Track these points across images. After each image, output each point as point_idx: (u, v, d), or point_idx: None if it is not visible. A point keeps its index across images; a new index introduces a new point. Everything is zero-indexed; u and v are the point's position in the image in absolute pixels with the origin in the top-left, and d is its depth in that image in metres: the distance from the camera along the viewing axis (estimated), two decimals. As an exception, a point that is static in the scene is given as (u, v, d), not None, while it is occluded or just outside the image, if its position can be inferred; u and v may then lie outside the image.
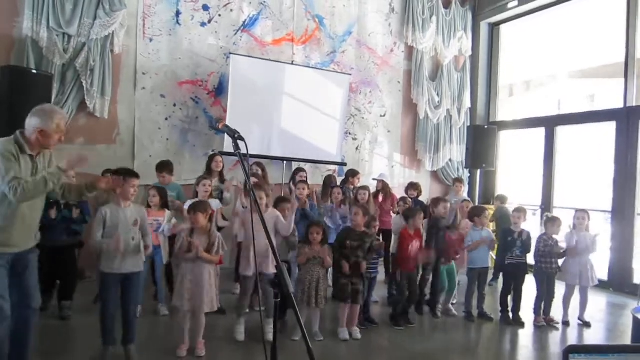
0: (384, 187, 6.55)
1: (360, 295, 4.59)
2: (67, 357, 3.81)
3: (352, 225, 4.75)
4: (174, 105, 6.95)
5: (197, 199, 4.86)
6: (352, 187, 6.54)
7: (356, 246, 4.56)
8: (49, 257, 4.52)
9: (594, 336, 5.09)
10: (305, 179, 6.04)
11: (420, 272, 5.44)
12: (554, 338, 4.97)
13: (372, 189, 6.37)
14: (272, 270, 4.07)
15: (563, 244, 5.32)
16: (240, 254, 4.50)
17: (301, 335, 3.81)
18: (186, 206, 4.85)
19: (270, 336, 4.01)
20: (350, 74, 8.10)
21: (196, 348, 3.95)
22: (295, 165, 7.26)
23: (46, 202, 4.74)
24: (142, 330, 4.41)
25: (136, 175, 3.76)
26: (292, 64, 7.67)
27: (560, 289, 5.40)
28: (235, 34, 7.36)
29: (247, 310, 4.64)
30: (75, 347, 4.02)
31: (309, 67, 7.81)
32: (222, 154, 6.28)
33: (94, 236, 3.61)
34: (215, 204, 5.07)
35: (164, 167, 5.49)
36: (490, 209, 7.38)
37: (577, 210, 5.46)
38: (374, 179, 6.92)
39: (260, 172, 6.01)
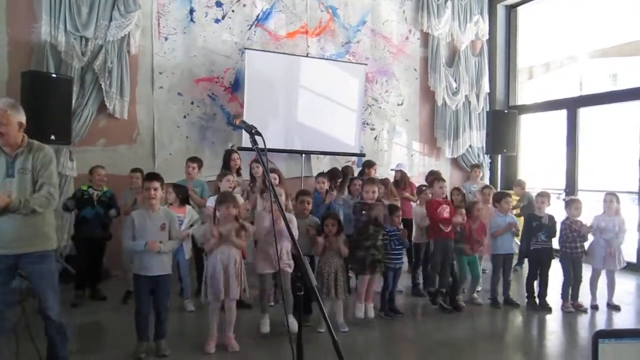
0: (402, 177, 6.50)
1: (379, 265, 4.62)
2: (103, 354, 3.90)
3: (366, 199, 4.75)
4: (192, 103, 7.00)
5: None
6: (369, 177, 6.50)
7: (369, 245, 4.57)
8: (87, 247, 5.22)
9: (624, 320, 5.00)
10: (322, 172, 6.03)
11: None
12: (583, 323, 4.90)
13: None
14: (287, 269, 4.16)
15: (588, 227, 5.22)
16: (256, 253, 4.45)
17: (327, 329, 3.86)
18: (209, 203, 4.94)
19: (294, 328, 4.05)
20: (365, 64, 8.04)
21: (227, 344, 3.98)
22: (313, 158, 7.27)
23: (81, 199, 5.06)
24: (169, 327, 4.49)
25: (150, 178, 3.82)
26: (307, 56, 7.65)
27: (587, 272, 5.31)
28: (249, 29, 7.36)
29: (272, 304, 4.68)
30: (109, 345, 4.10)
31: (324, 58, 7.78)
32: (241, 149, 6.34)
33: (125, 240, 3.80)
34: (238, 197, 5.12)
35: (196, 159, 5.72)
36: (514, 195, 7.29)
37: (606, 193, 5.35)
38: (392, 170, 6.88)
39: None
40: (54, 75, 5.70)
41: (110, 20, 6.32)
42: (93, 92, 6.30)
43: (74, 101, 5.94)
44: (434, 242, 5.12)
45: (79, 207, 5.20)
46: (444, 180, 5.58)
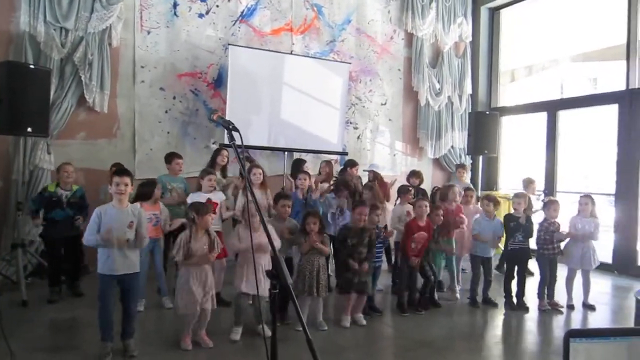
0: (374, 178, 6.50)
1: (367, 287, 4.64)
2: (74, 352, 3.81)
3: (353, 221, 4.73)
4: (174, 97, 6.93)
5: (199, 195, 4.84)
6: (351, 177, 6.49)
7: (356, 243, 4.58)
8: (58, 247, 5.08)
9: (599, 319, 5.08)
10: (306, 170, 6.00)
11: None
12: (558, 322, 4.97)
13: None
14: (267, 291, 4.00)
15: (566, 228, 5.30)
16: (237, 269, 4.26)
17: (302, 329, 3.80)
18: (190, 200, 4.87)
19: (267, 332, 4.05)
20: (349, 63, 8.04)
21: (201, 341, 3.96)
22: (296, 156, 7.25)
23: (49, 201, 4.92)
24: (147, 324, 4.47)
25: (120, 173, 3.68)
26: (291, 53, 7.62)
27: (562, 272, 5.39)
28: (234, 24, 7.30)
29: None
30: (81, 343, 4.02)
31: (308, 56, 7.76)
32: (223, 146, 6.28)
33: (87, 235, 3.57)
34: (219, 196, 5.08)
35: (179, 155, 5.59)
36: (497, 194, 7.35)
37: (581, 196, 5.44)
38: (364, 170, 6.86)
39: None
40: (32, 66, 5.56)
41: (92, 11, 6.20)
42: (72, 85, 6.18)
43: (52, 93, 5.80)
44: (401, 259, 5.08)
45: (46, 209, 5.00)
46: (426, 199, 5.55)
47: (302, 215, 4.96)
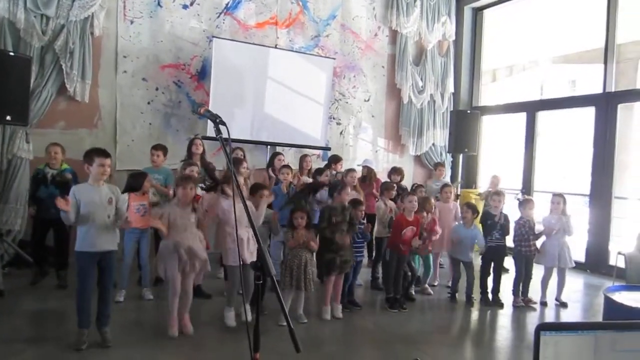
0: (369, 173, 6.59)
1: (348, 265, 4.72)
2: (52, 342, 3.79)
3: (336, 201, 4.82)
4: (156, 89, 6.88)
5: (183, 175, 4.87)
6: (335, 172, 6.56)
7: (340, 220, 4.67)
8: (39, 229, 5.10)
9: (570, 316, 5.25)
10: (287, 164, 6.04)
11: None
12: (531, 318, 5.11)
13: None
14: (253, 258, 4.13)
15: (540, 226, 5.45)
16: (220, 243, 4.40)
17: (283, 316, 3.88)
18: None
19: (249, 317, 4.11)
20: (334, 58, 8.08)
21: (183, 324, 4.02)
22: (279, 150, 7.27)
23: (34, 179, 4.89)
24: (127, 315, 4.48)
25: (105, 154, 3.70)
26: (275, 47, 7.62)
27: (538, 271, 5.53)
28: (218, 17, 7.27)
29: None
30: (60, 333, 3.98)
31: (292, 50, 7.77)
32: (205, 138, 6.27)
33: (65, 215, 3.54)
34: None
35: (160, 146, 5.57)
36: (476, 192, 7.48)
37: (553, 195, 5.59)
38: (358, 165, 6.94)
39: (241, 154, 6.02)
40: (11, 54, 5.48)
41: (74, -1, 6.13)
42: (53, 73, 6.10)
43: (32, 81, 5.72)
44: (390, 253, 5.14)
45: (34, 188, 5.04)
46: (414, 194, 5.63)
47: (286, 210, 5.05)
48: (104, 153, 3.72)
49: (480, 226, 5.61)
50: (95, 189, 3.67)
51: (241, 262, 4.11)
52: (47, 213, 4.94)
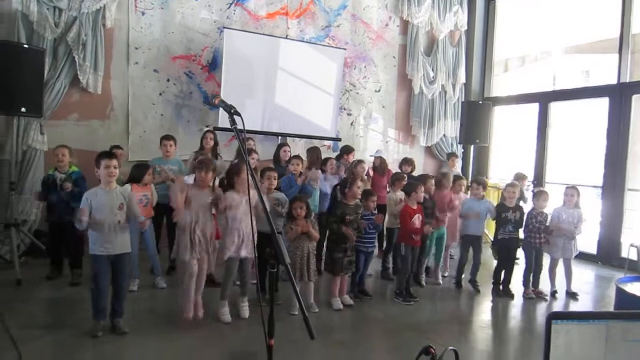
0: (381, 163, 6.60)
1: (352, 265, 4.80)
2: (68, 329, 3.88)
3: (347, 197, 4.84)
4: (168, 80, 6.92)
5: (192, 177, 4.90)
6: (347, 163, 6.58)
7: (352, 219, 4.74)
8: (53, 232, 5.13)
9: (581, 307, 5.24)
10: (297, 154, 6.06)
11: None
12: (542, 309, 5.12)
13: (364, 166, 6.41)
14: (251, 253, 4.15)
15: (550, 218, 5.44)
16: (223, 236, 4.38)
17: (298, 307, 3.94)
18: (186, 180, 4.97)
19: (244, 314, 4.25)
20: (345, 49, 8.06)
21: (195, 307, 4.11)
22: (289, 141, 7.30)
23: (45, 183, 4.94)
24: (142, 304, 4.56)
25: (110, 156, 3.76)
26: (286, 38, 7.62)
27: (545, 261, 5.54)
28: (229, 7, 7.28)
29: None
30: (75, 320, 4.07)
31: (303, 41, 7.77)
32: (217, 129, 6.32)
33: (78, 220, 3.62)
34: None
35: (170, 137, 5.61)
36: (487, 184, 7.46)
37: (567, 187, 5.56)
38: (371, 156, 6.94)
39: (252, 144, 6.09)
40: (25, 46, 5.55)
41: (86, -9, 6.17)
42: (66, 65, 6.17)
43: (45, 73, 5.80)
44: (405, 247, 5.11)
45: (46, 193, 5.04)
46: (423, 185, 5.67)
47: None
48: (108, 155, 3.79)
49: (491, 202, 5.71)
50: (107, 194, 3.73)
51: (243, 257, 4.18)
52: (58, 217, 4.96)
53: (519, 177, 6.98)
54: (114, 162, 3.73)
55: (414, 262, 5.17)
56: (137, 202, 4.63)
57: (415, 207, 5.14)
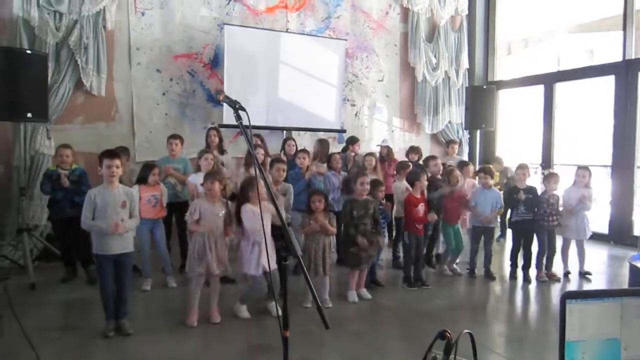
0: (388, 153, 6.59)
1: (372, 259, 4.79)
2: (82, 330, 3.92)
3: (356, 194, 4.81)
4: (171, 79, 6.94)
5: (198, 175, 4.92)
6: (353, 154, 6.58)
7: (362, 214, 4.67)
8: (59, 229, 5.15)
9: (595, 287, 5.22)
10: (304, 148, 6.06)
11: (430, 232, 5.61)
12: (556, 290, 5.12)
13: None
14: (273, 265, 3.87)
15: (561, 200, 5.41)
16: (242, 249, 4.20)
17: (312, 299, 3.98)
18: (191, 179, 5.02)
19: (274, 311, 4.15)
20: (345, 40, 8.03)
21: (210, 315, 4.08)
22: (294, 135, 7.30)
23: (49, 179, 4.97)
24: (153, 303, 4.60)
25: (112, 155, 3.73)
26: (286, 31, 7.60)
27: (557, 242, 5.52)
28: (228, 3, 7.27)
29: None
30: (89, 322, 4.11)
31: (303, 34, 7.75)
32: (222, 126, 6.33)
33: (84, 219, 3.68)
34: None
35: (177, 136, 5.63)
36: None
37: (578, 167, 5.53)
38: (378, 145, 6.92)
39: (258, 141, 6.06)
40: (28, 52, 5.57)
41: (85, -6, 6.18)
42: (69, 69, 6.20)
43: (49, 78, 5.83)
44: (408, 235, 5.13)
45: (48, 188, 5.06)
46: (437, 158, 5.69)
47: (304, 195, 5.08)
48: (110, 154, 3.75)
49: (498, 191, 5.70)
50: (110, 192, 3.72)
51: (263, 270, 4.03)
52: (63, 213, 4.98)
53: (497, 161, 7.18)
54: (116, 161, 3.70)
55: (418, 249, 5.15)
56: (146, 203, 4.74)
57: (419, 195, 5.13)
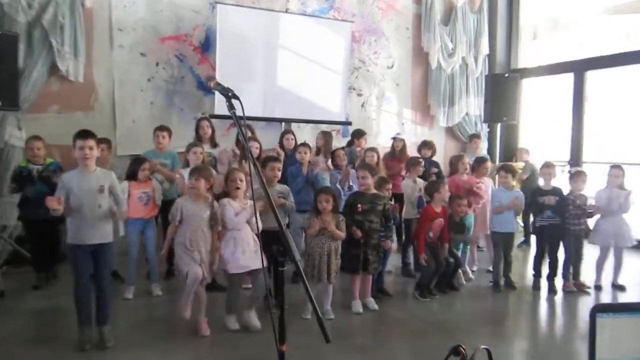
0: (402, 148, 6.57)
1: (372, 265, 4.71)
2: (57, 342, 3.92)
3: (361, 189, 4.81)
4: (157, 64, 6.94)
5: (186, 171, 4.91)
6: (359, 148, 6.58)
7: (367, 209, 4.65)
8: (31, 231, 5.19)
9: (629, 300, 5.19)
10: (304, 142, 6.06)
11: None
12: (585, 303, 5.10)
13: (382, 150, 6.40)
14: (258, 264, 4.01)
15: (592, 202, 5.39)
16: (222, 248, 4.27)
17: (312, 309, 3.96)
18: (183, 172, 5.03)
19: (255, 324, 4.16)
20: (352, 22, 8.01)
21: (199, 327, 4.08)
22: (294, 126, 7.30)
23: (20, 177, 4.97)
24: (136, 313, 4.60)
25: (84, 136, 3.69)
26: (286, 12, 7.60)
27: (593, 252, 5.50)
28: (221, -21, 7.26)
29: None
30: (63, 332, 4.11)
31: (305, 15, 7.74)
32: (213, 117, 6.33)
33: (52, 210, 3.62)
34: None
35: (165, 127, 5.64)
36: (517, 165, 7.46)
37: (611, 166, 5.51)
38: (392, 138, 6.92)
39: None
40: (-3, 32, 5.57)
41: (61, -33, 6.17)
42: (43, 51, 6.19)
43: (20, 61, 5.82)
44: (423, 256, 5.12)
45: (20, 186, 5.06)
46: (445, 184, 5.66)
47: (303, 193, 5.08)
48: (83, 134, 3.71)
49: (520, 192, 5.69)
50: (84, 176, 3.70)
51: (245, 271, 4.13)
52: (35, 213, 4.90)
53: (524, 152, 7.15)
54: (89, 142, 3.67)
55: (438, 258, 5.14)
56: (137, 200, 4.77)
57: (438, 209, 5.12)
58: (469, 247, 5.90)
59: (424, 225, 5.07)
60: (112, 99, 6.73)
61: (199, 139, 5.73)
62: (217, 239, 4.21)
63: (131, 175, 4.89)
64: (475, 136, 7.88)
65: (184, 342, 3.96)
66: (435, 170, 6.49)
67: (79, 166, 3.75)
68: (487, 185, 6.00)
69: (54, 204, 3.51)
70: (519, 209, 5.61)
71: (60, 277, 5.36)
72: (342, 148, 6.30)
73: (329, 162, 6.09)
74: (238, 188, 4.18)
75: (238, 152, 5.64)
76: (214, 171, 4.91)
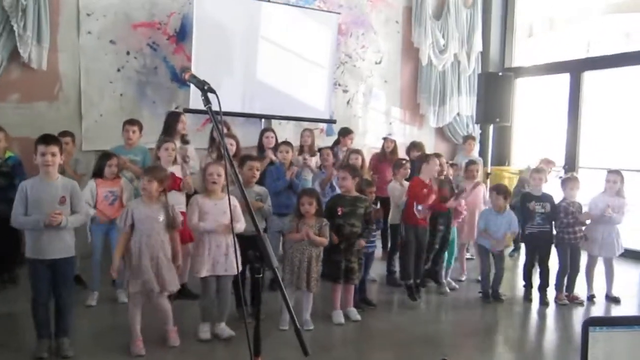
0: (394, 149, 6.60)
1: (355, 275, 4.72)
2: (13, 351, 3.88)
3: (342, 191, 4.83)
4: (128, 53, 6.88)
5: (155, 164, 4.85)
6: (345, 148, 6.59)
7: (348, 212, 4.66)
8: None
9: (624, 313, 5.27)
10: (286, 140, 6.06)
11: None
12: (578, 315, 5.17)
13: (368, 151, 6.42)
14: (233, 270, 4.01)
15: (586, 208, 5.46)
16: (194, 250, 4.38)
17: (289, 319, 3.95)
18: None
19: (225, 333, 4.18)
20: (338, 13, 8.03)
21: (168, 337, 4.05)
22: (274, 123, 7.29)
23: None
24: (99, 320, 4.57)
25: (47, 141, 3.65)
26: (268, 1, 7.57)
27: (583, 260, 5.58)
28: (199, -36, 7.23)
29: None
30: (20, 340, 4.07)
31: (288, 4, 7.73)
32: (187, 111, 6.29)
33: (14, 215, 3.64)
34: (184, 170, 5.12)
35: (135, 121, 5.58)
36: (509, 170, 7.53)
37: (609, 171, 5.58)
38: (383, 138, 6.94)
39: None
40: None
41: (24, -55, 6.10)
42: (2, 36, 6.10)
43: (-22, 46, 5.75)
44: (405, 227, 5.20)
45: None
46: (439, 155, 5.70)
47: (284, 196, 5.08)
48: (45, 139, 3.67)
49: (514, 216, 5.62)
50: (46, 185, 3.67)
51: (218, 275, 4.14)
52: None
53: (547, 162, 7.05)
54: (52, 148, 3.63)
55: (420, 247, 5.17)
56: (103, 200, 4.71)
57: (427, 181, 5.15)
58: (454, 257, 5.92)
59: (414, 196, 5.08)
60: (78, 89, 6.66)
61: (170, 134, 5.64)
62: (182, 242, 4.19)
63: (97, 173, 4.84)
64: (470, 137, 7.94)
65: (150, 352, 3.92)
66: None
67: (40, 173, 3.70)
68: (479, 190, 6.05)
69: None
70: (509, 243, 5.65)
71: (19, 282, 5.29)
72: (328, 147, 6.32)
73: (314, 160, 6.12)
74: (215, 183, 4.17)
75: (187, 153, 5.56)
76: (187, 170, 4.90)
